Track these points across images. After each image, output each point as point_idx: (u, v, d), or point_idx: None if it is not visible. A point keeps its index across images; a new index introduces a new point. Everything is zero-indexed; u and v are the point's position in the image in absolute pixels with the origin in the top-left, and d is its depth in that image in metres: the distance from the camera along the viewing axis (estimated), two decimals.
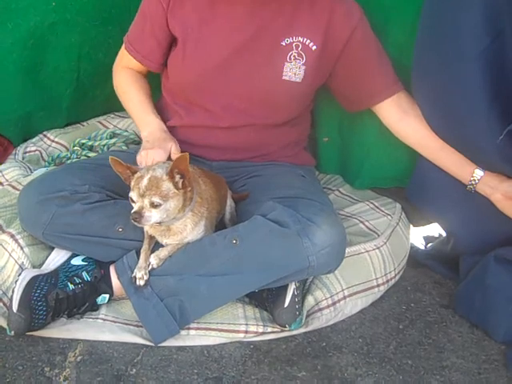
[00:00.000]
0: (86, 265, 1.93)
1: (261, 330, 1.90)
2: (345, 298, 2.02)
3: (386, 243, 2.16)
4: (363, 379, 1.78)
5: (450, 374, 1.82)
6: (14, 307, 1.76)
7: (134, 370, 1.75)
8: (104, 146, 2.58)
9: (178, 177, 1.73)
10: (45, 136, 2.72)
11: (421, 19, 1.96)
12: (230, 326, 1.90)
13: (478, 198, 2.01)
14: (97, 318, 1.90)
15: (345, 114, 2.37)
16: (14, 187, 2.26)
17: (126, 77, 2.23)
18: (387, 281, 2.14)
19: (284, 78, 2.05)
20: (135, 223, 1.72)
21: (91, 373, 1.73)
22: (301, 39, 2.04)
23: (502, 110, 1.77)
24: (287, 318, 1.87)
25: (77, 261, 1.94)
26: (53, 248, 2.01)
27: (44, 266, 1.97)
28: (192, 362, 1.80)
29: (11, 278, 1.93)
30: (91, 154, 2.53)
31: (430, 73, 1.97)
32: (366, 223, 2.26)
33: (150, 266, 1.86)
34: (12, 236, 1.98)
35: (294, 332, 1.93)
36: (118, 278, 1.91)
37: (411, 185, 2.28)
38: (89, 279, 1.89)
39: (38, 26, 2.45)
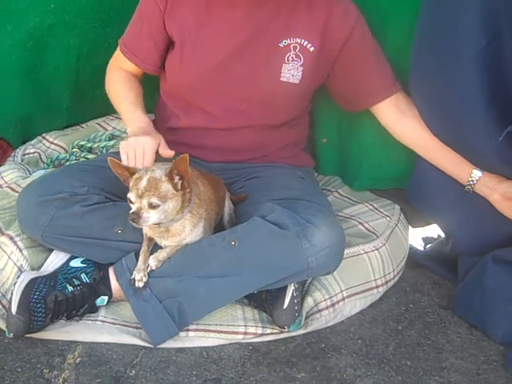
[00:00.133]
0: (84, 267, 1.93)
1: (260, 331, 1.90)
2: (344, 299, 2.02)
3: (384, 244, 2.16)
4: (362, 380, 1.78)
5: (449, 375, 1.82)
6: (13, 309, 1.76)
7: (133, 372, 1.75)
8: (103, 147, 2.59)
9: (177, 178, 1.74)
10: (44, 138, 2.71)
11: (418, 21, 1.96)
12: (229, 328, 1.90)
13: (476, 198, 2.01)
14: (96, 320, 1.90)
15: (343, 114, 2.37)
16: (12, 189, 2.26)
17: (118, 77, 2.22)
18: (386, 282, 2.14)
19: (282, 79, 2.05)
20: (133, 224, 1.72)
21: (90, 375, 1.73)
22: (298, 40, 2.04)
23: (499, 112, 1.77)
24: (286, 319, 1.87)
25: (76, 263, 1.94)
26: (52, 250, 2.01)
27: (43, 268, 1.97)
28: (191, 363, 1.80)
29: (10, 280, 1.92)
30: (90, 156, 2.53)
31: (427, 74, 1.97)
32: (365, 224, 2.26)
33: (149, 268, 1.86)
34: (11, 238, 1.98)
35: (293, 333, 1.93)
36: (117, 280, 1.91)
37: (410, 185, 2.28)
38: (88, 281, 1.89)
39: (37, 28, 2.46)
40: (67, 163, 2.50)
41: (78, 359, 1.78)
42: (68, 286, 1.86)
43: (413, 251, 2.39)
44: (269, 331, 1.91)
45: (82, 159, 2.51)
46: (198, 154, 2.14)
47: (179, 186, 1.74)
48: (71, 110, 2.74)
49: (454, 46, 1.81)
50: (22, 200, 1.97)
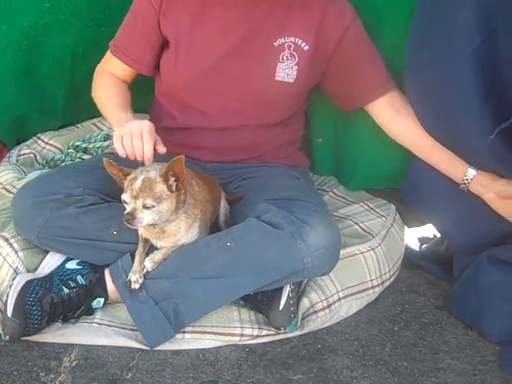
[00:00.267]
0: (80, 268, 1.92)
1: (256, 332, 1.90)
2: (340, 299, 2.02)
3: (380, 244, 2.16)
4: (358, 382, 1.79)
5: (445, 376, 1.83)
6: (9, 312, 1.75)
7: (130, 375, 1.75)
8: (98, 148, 2.58)
9: (172, 179, 1.73)
10: (39, 138, 2.70)
11: (414, 18, 1.96)
12: (226, 329, 1.90)
13: (470, 197, 2.01)
14: (92, 322, 1.89)
15: (339, 114, 2.37)
16: (7, 190, 2.26)
17: (106, 81, 2.19)
18: (382, 282, 2.14)
19: (277, 78, 2.05)
20: (128, 225, 1.72)
21: (87, 378, 1.72)
22: (293, 39, 2.04)
23: (493, 110, 1.77)
24: (282, 320, 1.87)
25: (71, 264, 1.94)
26: (47, 252, 2.00)
27: (38, 270, 1.96)
28: (187, 365, 1.80)
29: (6, 283, 1.92)
30: (85, 157, 2.52)
31: (422, 71, 1.97)
32: (361, 224, 2.26)
33: (145, 270, 1.85)
34: (6, 240, 1.97)
35: (290, 335, 1.93)
36: (113, 282, 1.91)
37: (405, 185, 2.28)
38: (84, 283, 1.88)
39: (31, 27, 2.45)
40: (62, 164, 2.50)
41: (75, 362, 1.78)
42: (64, 288, 1.85)
43: (408, 251, 2.39)
44: (265, 333, 1.91)
45: (77, 160, 2.50)
46: (193, 154, 2.14)
47: (174, 188, 1.74)
48: (66, 109, 2.73)
49: (449, 43, 1.81)
50: (17, 201, 1.96)
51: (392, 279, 2.21)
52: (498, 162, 1.88)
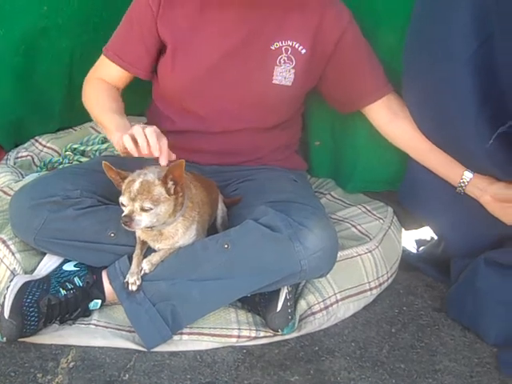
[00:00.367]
0: (77, 270, 1.92)
1: (253, 334, 1.90)
2: (337, 301, 2.02)
3: (378, 247, 2.16)
4: (356, 383, 1.78)
5: (442, 378, 1.82)
6: (6, 313, 1.75)
7: (127, 376, 1.74)
8: (96, 151, 2.58)
9: (170, 183, 1.73)
10: (36, 141, 2.71)
11: (411, 21, 1.96)
12: (223, 331, 1.90)
13: (467, 200, 2.01)
14: (89, 324, 1.89)
15: (336, 117, 2.38)
16: (5, 192, 2.25)
17: (99, 86, 2.15)
18: (379, 284, 2.14)
19: (274, 81, 2.06)
20: (125, 227, 1.72)
21: (84, 379, 1.72)
22: (290, 43, 2.05)
23: (490, 114, 1.78)
24: (280, 322, 1.87)
25: (69, 266, 1.94)
26: (44, 254, 2.00)
27: (36, 271, 1.96)
28: (185, 367, 1.80)
29: (3, 284, 1.91)
30: (83, 159, 2.52)
31: (419, 76, 1.97)
32: (358, 227, 2.26)
33: (143, 271, 1.85)
34: (4, 242, 1.97)
35: (287, 336, 1.92)
36: (110, 284, 1.90)
37: (402, 187, 2.29)
38: (81, 285, 1.88)
39: (29, 31, 2.45)
40: (60, 166, 2.50)
41: (72, 363, 1.77)
42: (61, 289, 1.85)
43: (406, 253, 2.39)
44: (262, 334, 1.91)
45: (75, 162, 2.50)
46: (191, 157, 2.14)
47: (172, 191, 1.74)
48: (64, 113, 2.73)
49: (446, 46, 1.82)
50: (15, 203, 1.96)
51: (389, 281, 2.21)
52: (495, 165, 1.88)
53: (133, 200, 1.70)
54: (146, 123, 2.27)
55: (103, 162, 1.75)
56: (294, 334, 1.94)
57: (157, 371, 1.77)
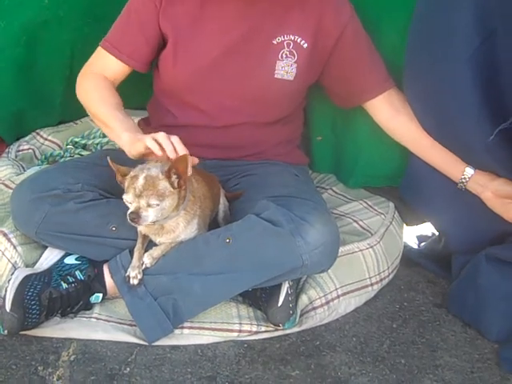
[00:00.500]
0: (79, 264, 1.92)
1: (254, 329, 1.90)
2: (338, 296, 2.02)
3: (379, 242, 2.16)
4: (357, 378, 1.78)
5: (443, 373, 1.83)
6: (7, 306, 1.75)
7: (128, 369, 1.75)
8: (97, 144, 2.58)
9: (174, 176, 1.73)
10: (38, 134, 2.71)
11: (413, 19, 1.97)
12: (224, 325, 1.90)
13: (468, 196, 2.01)
14: (90, 317, 1.89)
15: (338, 112, 2.38)
16: (6, 186, 2.26)
17: (95, 81, 2.12)
18: (381, 280, 2.14)
19: (276, 76, 2.06)
20: (132, 223, 1.71)
21: (85, 372, 1.72)
22: (292, 37, 2.04)
23: (492, 111, 1.78)
24: (281, 317, 1.87)
25: (70, 260, 1.94)
26: (46, 247, 2.00)
27: (37, 265, 1.96)
28: (186, 361, 1.80)
29: (4, 277, 1.92)
30: (84, 153, 2.52)
31: (421, 72, 1.98)
32: (360, 222, 2.26)
33: (144, 265, 1.85)
34: (5, 235, 1.97)
35: (288, 331, 1.92)
36: (112, 277, 1.90)
37: (404, 183, 2.29)
38: (82, 278, 1.88)
39: (30, 24, 2.44)
40: (61, 160, 2.50)
41: (73, 356, 1.77)
42: (62, 283, 1.85)
43: (407, 249, 2.39)
44: (263, 329, 1.91)
45: (76, 156, 2.50)
46: (192, 152, 2.12)
47: (176, 184, 1.74)
48: (65, 105, 2.72)
49: (448, 44, 1.82)
50: (16, 197, 1.96)
51: (390, 277, 2.21)
52: (496, 162, 1.88)
53: (138, 196, 1.69)
54: (147, 117, 2.28)
55: (109, 159, 1.74)
56: (295, 329, 1.94)
57: (158, 365, 1.77)
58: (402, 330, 2.00)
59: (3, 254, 1.95)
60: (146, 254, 1.86)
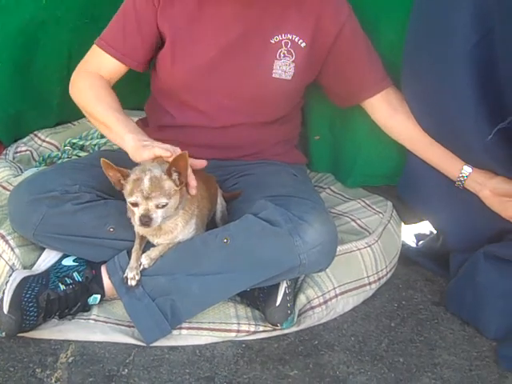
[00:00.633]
0: (77, 265, 1.92)
1: (253, 329, 1.90)
2: (336, 296, 2.02)
3: (377, 241, 2.16)
4: (355, 377, 1.79)
5: (441, 371, 1.83)
6: (5, 308, 1.75)
7: (126, 371, 1.75)
8: (95, 145, 2.58)
9: (175, 174, 1.73)
10: (35, 136, 2.71)
11: (411, 18, 1.97)
12: (222, 326, 1.90)
13: (466, 194, 2.01)
14: (88, 319, 1.89)
15: (336, 111, 2.38)
16: (4, 187, 2.25)
17: (92, 80, 2.10)
18: (379, 279, 2.14)
19: (274, 75, 2.05)
20: (144, 226, 1.72)
21: (83, 374, 1.72)
22: (290, 36, 2.04)
23: (490, 109, 1.78)
24: (279, 316, 1.87)
25: (68, 261, 1.94)
26: (44, 249, 2.00)
27: (35, 266, 1.96)
28: (184, 361, 1.80)
29: (2, 279, 1.92)
30: (82, 154, 2.52)
31: (419, 71, 1.98)
32: (358, 221, 2.26)
33: (142, 266, 1.85)
34: (2, 237, 1.97)
35: (286, 331, 1.93)
36: (110, 279, 1.90)
37: (402, 182, 2.29)
38: (80, 280, 1.88)
39: (28, 24, 2.45)
40: (59, 161, 2.50)
41: (71, 358, 1.77)
42: (60, 284, 1.85)
43: (405, 248, 2.39)
44: (261, 329, 1.91)
45: (73, 157, 2.50)
46: (190, 152, 2.12)
47: (178, 182, 1.74)
48: (62, 106, 2.71)
49: (446, 42, 1.82)
50: (14, 198, 1.96)
51: (389, 275, 2.21)
52: (494, 161, 1.88)
53: (146, 198, 1.69)
54: (144, 118, 2.28)
55: (102, 159, 1.73)
56: (294, 329, 1.94)
57: (156, 366, 1.77)
58: (400, 329, 2.00)
59: (1, 256, 1.95)
60: (143, 255, 1.86)
